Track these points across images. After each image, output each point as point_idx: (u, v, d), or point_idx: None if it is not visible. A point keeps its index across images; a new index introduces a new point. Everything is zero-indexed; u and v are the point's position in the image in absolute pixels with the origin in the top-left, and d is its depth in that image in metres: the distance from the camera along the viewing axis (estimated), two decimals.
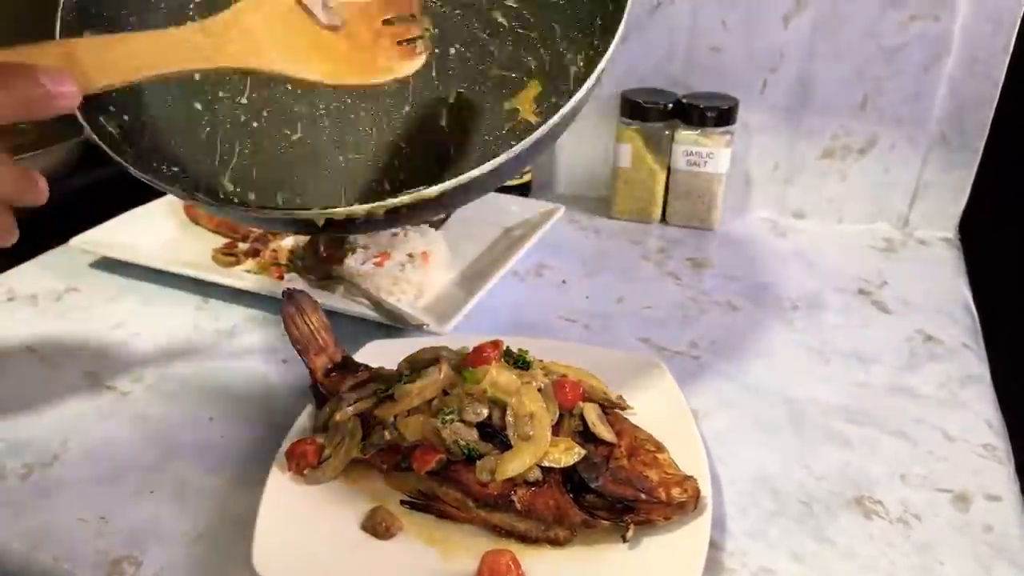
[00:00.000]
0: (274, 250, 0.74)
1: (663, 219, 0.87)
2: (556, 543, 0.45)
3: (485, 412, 0.46)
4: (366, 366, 0.55)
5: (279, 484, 0.48)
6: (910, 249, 0.82)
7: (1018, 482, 0.51)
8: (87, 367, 0.62)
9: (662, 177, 0.85)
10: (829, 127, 0.83)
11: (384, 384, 0.51)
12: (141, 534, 0.47)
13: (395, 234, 0.72)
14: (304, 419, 0.53)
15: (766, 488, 0.50)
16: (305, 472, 0.48)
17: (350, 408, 0.50)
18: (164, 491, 0.50)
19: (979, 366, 0.63)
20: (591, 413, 0.47)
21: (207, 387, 0.60)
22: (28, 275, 0.76)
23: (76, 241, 0.76)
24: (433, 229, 0.74)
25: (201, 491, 0.50)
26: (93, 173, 0.88)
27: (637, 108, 0.82)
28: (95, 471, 0.52)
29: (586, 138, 0.92)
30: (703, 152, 0.82)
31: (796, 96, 0.83)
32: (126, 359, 0.63)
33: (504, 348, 0.50)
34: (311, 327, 0.56)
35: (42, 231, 0.78)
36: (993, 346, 0.67)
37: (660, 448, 0.47)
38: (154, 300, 0.72)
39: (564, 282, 0.76)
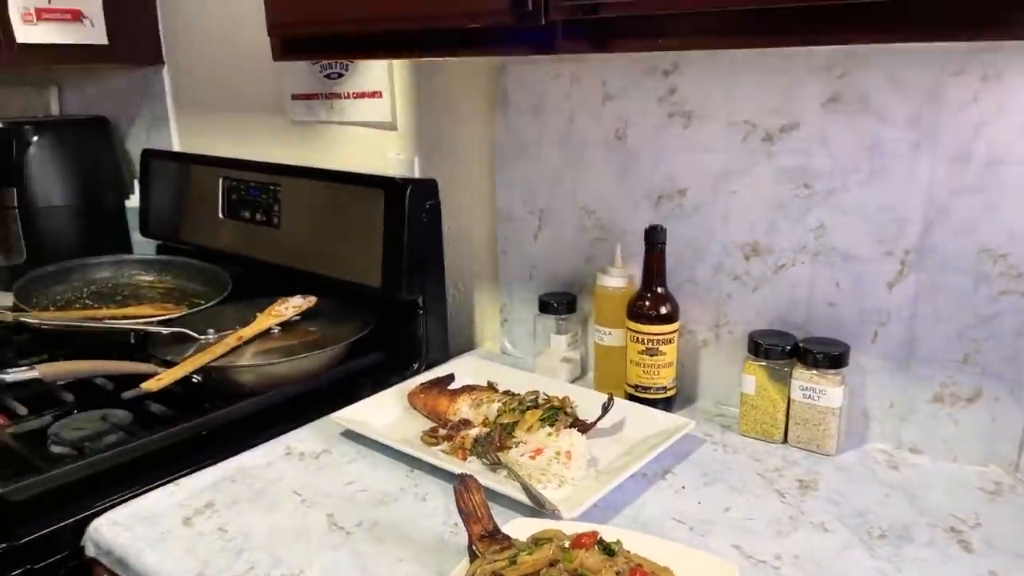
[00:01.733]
0: (463, 437, 1.00)
1: (785, 440, 1.02)
2: None
3: None
4: (507, 536, 0.77)
5: None
6: (1018, 494, 0.89)
7: None
8: (328, 511, 0.90)
9: (783, 405, 1.00)
10: (937, 376, 0.94)
11: (515, 552, 0.72)
12: None
13: (549, 434, 0.94)
14: (460, 570, 0.75)
15: None
16: None
17: (488, 567, 0.71)
18: None
19: None
20: None
21: (403, 536, 0.85)
22: (301, 436, 1.08)
23: (334, 415, 1.07)
24: (580, 433, 0.96)
25: None
26: (353, 364, 1.22)
27: (760, 348, 1.00)
28: None
29: (723, 365, 1.10)
30: (817, 388, 0.97)
31: (904, 347, 0.96)
32: (354, 508, 0.90)
33: (598, 537, 0.69)
34: (474, 502, 0.79)
35: (316, 404, 1.12)
36: None
37: None
38: (378, 465, 1.00)
39: (683, 487, 0.93)
